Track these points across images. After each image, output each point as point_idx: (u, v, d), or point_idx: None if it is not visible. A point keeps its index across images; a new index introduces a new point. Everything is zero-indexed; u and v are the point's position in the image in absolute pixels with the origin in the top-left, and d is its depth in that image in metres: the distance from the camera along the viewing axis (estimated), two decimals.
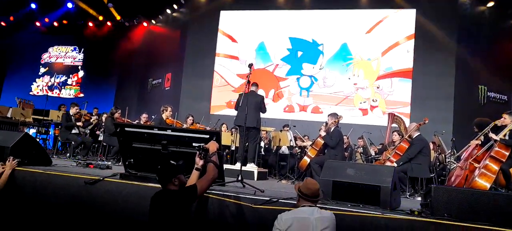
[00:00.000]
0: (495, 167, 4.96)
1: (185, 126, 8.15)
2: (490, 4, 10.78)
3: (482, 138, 5.57)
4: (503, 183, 5.25)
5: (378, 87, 11.13)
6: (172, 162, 3.21)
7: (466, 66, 10.52)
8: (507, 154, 4.98)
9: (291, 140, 8.40)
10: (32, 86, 16.06)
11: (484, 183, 4.88)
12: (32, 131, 10.27)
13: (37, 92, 15.92)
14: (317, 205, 3.06)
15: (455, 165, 6.18)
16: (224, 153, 8.34)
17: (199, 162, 3.35)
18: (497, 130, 5.34)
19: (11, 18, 15.19)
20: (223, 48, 12.63)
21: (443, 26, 10.63)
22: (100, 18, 14.68)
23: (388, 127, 7.88)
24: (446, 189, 3.54)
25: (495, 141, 5.08)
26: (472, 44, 10.60)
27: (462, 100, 10.38)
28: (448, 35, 10.57)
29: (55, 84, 15.90)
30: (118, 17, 14.32)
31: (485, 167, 5.00)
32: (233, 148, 8.38)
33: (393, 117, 7.94)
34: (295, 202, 3.22)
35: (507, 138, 5.08)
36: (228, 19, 12.69)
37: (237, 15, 12.65)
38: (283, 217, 2.92)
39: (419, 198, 5.21)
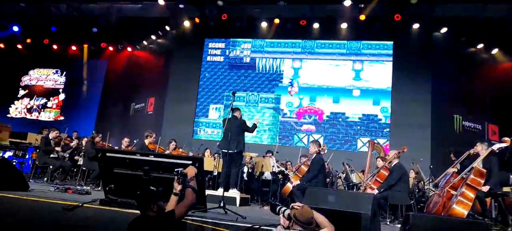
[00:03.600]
0: (471, 194, 5.09)
1: (167, 151, 8.10)
2: (463, 38, 11.33)
3: (458, 165, 5.74)
4: (480, 210, 5.40)
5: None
6: (152, 188, 3.18)
7: (441, 96, 10.95)
8: (482, 181, 5.14)
9: (273, 166, 8.44)
10: (10, 108, 15.68)
11: (461, 210, 5.00)
12: (8, 154, 9.98)
13: (15, 115, 15.54)
14: None
15: (433, 192, 6.32)
16: (206, 179, 8.29)
17: (177, 187, 3.32)
18: (472, 158, 5.53)
19: None
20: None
21: (419, 58, 11.11)
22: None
23: (368, 154, 8.03)
24: (424, 217, 3.64)
25: (471, 168, 5.24)
26: (447, 76, 11.08)
27: (438, 129, 10.72)
28: (423, 66, 11.05)
29: (34, 107, 15.57)
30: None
31: (462, 194, 5.13)
32: (215, 173, 8.34)
33: (373, 144, 8.11)
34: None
35: (481, 166, 5.25)
36: (212, 47, 12.92)
37: (221, 43, 12.89)
38: None
39: (399, 225, 5.28)
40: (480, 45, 11.36)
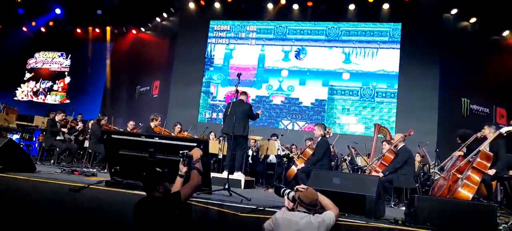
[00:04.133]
0: (477, 178, 5.06)
1: (173, 134, 8.12)
2: (473, 20, 11.10)
3: (464, 149, 5.70)
4: (485, 194, 5.37)
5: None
6: (158, 169, 3.20)
7: (449, 79, 10.79)
8: (489, 165, 5.10)
9: (278, 149, 8.44)
10: (16, 91, 15.79)
11: (466, 193, 4.98)
12: (15, 137, 10.08)
13: (22, 98, 15.66)
14: (315, 214, 3.15)
15: (438, 176, 6.29)
16: (212, 161, 8.32)
17: (183, 169, 3.33)
18: (479, 142, 5.47)
19: None
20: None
21: (428, 40, 10.90)
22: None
23: (374, 137, 8.00)
24: (429, 199, 3.62)
25: (477, 151, 5.19)
26: (456, 58, 10.89)
27: (446, 113, 10.61)
28: (432, 49, 10.85)
29: (41, 89, 15.66)
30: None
31: (468, 177, 5.10)
32: (220, 156, 8.37)
33: (379, 128, 8.08)
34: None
35: (488, 149, 5.20)
36: (218, 29, 12.81)
37: (227, 25, 12.77)
38: (277, 215, 3.17)
39: (404, 208, 5.27)
40: (491, 27, 11.13)
